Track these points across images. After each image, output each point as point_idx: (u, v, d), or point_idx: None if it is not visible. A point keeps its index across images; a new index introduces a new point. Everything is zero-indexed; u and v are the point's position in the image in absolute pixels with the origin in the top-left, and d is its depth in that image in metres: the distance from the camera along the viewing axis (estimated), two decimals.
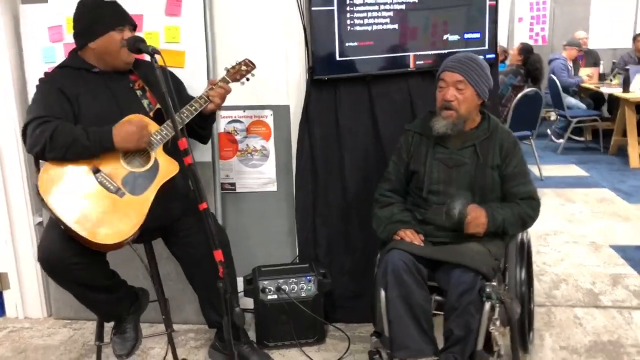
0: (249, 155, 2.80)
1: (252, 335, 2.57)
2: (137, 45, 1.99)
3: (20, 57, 2.69)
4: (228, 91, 2.28)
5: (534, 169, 5.18)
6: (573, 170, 5.64)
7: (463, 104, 2.18)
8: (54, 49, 2.63)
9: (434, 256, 2.11)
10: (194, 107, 2.19)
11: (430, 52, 2.79)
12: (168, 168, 2.09)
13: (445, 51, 2.80)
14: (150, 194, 2.04)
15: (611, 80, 6.61)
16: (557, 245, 3.71)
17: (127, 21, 2.19)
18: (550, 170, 5.60)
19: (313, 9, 2.55)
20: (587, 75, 6.89)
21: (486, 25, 2.90)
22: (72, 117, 2.10)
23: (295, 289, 2.55)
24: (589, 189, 4.95)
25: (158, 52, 1.88)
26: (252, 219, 2.85)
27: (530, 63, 5.86)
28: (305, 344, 2.55)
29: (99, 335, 2.31)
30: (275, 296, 2.53)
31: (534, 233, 3.81)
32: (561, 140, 6.70)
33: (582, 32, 7.48)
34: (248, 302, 2.64)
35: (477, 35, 2.90)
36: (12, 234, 2.85)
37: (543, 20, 8.59)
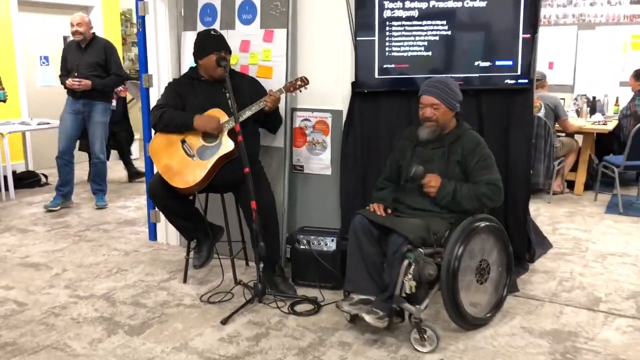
0: (314, 146, 3.74)
1: (289, 272, 3.52)
2: (219, 63, 3.14)
3: (179, 66, 4.02)
4: (278, 99, 3.28)
5: None
6: None
7: (440, 118, 2.88)
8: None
9: (381, 222, 2.83)
10: (253, 107, 3.24)
11: (461, 75, 3.42)
12: (226, 145, 3.17)
13: (477, 75, 3.42)
14: (211, 161, 3.15)
15: None
16: (609, 264, 3.89)
17: (223, 48, 3.31)
18: None
19: (358, 39, 3.41)
20: None
21: (519, 55, 3.40)
22: (180, 107, 3.30)
23: (321, 245, 3.42)
24: None
25: (226, 69, 3.10)
26: (313, 193, 3.78)
27: None
28: (324, 287, 3.40)
29: (187, 251, 3.51)
30: (306, 247, 3.44)
31: (596, 252, 4.07)
32: None
33: None
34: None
35: (510, 62, 3.42)
36: None
37: None
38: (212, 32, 3.35)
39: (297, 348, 2.77)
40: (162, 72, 4.07)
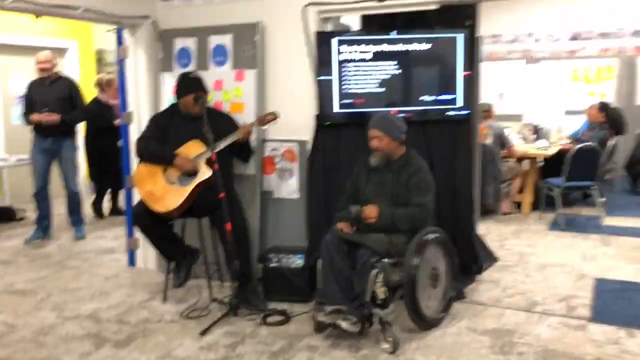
0: (282, 173, 4.14)
1: (261, 288, 3.87)
2: (196, 102, 3.54)
3: (157, 105, 4.39)
4: (249, 132, 3.68)
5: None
6: None
7: (384, 147, 3.33)
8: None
9: (351, 239, 3.24)
10: (228, 139, 3.63)
11: (410, 108, 3.89)
12: (203, 173, 3.54)
13: (421, 108, 3.89)
14: (190, 187, 3.51)
15: None
16: (548, 273, 4.35)
17: (200, 89, 3.71)
18: (623, 220, 5.96)
19: (319, 78, 3.86)
20: None
21: (460, 89, 3.89)
22: (162, 139, 3.67)
23: (290, 262, 3.79)
24: (638, 238, 5.29)
25: (203, 106, 3.48)
26: (282, 216, 4.16)
27: (611, 117, 6.31)
28: (293, 301, 3.75)
29: (167, 272, 3.83)
30: (275, 264, 3.81)
31: (537, 264, 4.54)
32: None
33: None
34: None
35: (452, 96, 3.90)
36: None
37: None
38: (191, 75, 3.76)
39: (269, 352, 3.12)
40: (141, 110, 4.43)
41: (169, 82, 4.32)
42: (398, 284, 3.11)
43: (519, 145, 6.72)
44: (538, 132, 7.38)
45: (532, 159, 6.52)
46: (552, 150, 6.55)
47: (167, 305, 3.82)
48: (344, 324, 3.08)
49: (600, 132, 6.47)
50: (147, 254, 4.59)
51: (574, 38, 9.18)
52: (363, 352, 3.09)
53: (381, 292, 3.05)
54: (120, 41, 4.45)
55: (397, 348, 3.07)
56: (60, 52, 7.61)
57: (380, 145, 3.36)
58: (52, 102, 5.30)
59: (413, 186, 3.30)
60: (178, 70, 4.24)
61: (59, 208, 6.09)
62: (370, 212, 3.25)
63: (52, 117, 5.24)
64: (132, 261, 4.70)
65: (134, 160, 4.40)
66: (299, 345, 3.20)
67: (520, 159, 6.57)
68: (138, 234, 4.56)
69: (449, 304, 3.50)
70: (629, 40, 8.79)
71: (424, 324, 3.31)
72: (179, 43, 4.30)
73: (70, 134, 5.52)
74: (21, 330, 3.46)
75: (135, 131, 4.44)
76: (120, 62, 4.47)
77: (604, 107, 6.64)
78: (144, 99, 4.42)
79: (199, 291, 3.89)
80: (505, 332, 3.31)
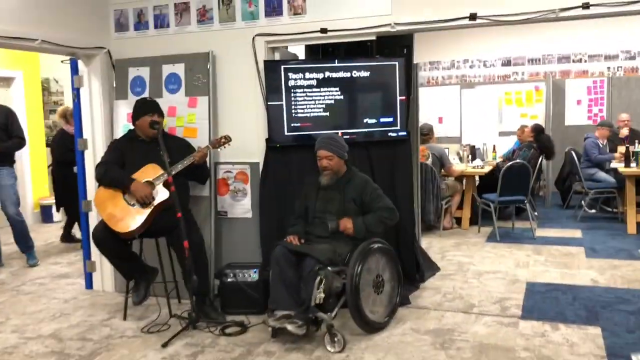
0: (235, 193, 4.38)
1: (218, 303, 4.07)
2: (152, 126, 3.75)
3: (112, 131, 4.58)
4: (205, 155, 3.91)
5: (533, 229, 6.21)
6: (572, 233, 6.40)
7: (334, 166, 3.63)
8: (130, 126, 4.49)
9: (298, 249, 3.50)
10: (185, 161, 3.85)
11: (353, 130, 4.22)
12: (162, 194, 3.74)
13: (365, 130, 4.23)
14: (149, 208, 3.70)
15: (636, 160, 7.21)
16: (484, 279, 4.73)
17: (156, 111, 3.94)
18: (553, 231, 6.45)
19: (269, 103, 4.15)
20: (620, 153, 7.55)
21: (398, 113, 4.26)
22: (120, 163, 3.86)
23: (245, 276, 4.02)
24: (567, 246, 5.76)
25: (160, 130, 3.63)
26: (236, 234, 4.39)
27: (541, 141, 6.86)
28: (249, 313, 3.96)
29: (126, 291, 3.99)
30: (231, 279, 4.02)
31: (475, 272, 4.91)
32: (592, 211, 7.46)
33: (625, 114, 8.14)
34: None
35: (391, 119, 4.27)
36: None
37: (601, 102, 9.29)
38: (147, 99, 3.99)
39: (231, 358, 3.33)
40: (96, 137, 4.60)
41: (123, 109, 4.52)
42: (341, 289, 3.39)
43: (457, 164, 7.17)
44: (474, 152, 7.89)
45: (470, 177, 6.98)
46: (487, 169, 7.03)
47: (127, 323, 3.97)
48: (290, 327, 3.33)
49: (529, 152, 6.99)
50: (104, 276, 4.71)
51: (506, 64, 9.88)
52: (316, 354, 3.33)
53: (319, 298, 3.31)
54: (75, 71, 4.62)
55: (344, 348, 3.34)
56: (6, 81, 7.65)
57: (330, 164, 3.67)
58: None
59: (371, 195, 3.64)
60: (132, 98, 4.45)
61: (8, 237, 6.10)
62: (346, 224, 3.57)
63: None
64: (89, 284, 4.80)
65: (90, 185, 4.58)
66: (257, 351, 3.41)
67: (458, 178, 7.01)
68: (95, 257, 4.70)
69: (394, 310, 3.79)
70: (556, 66, 9.56)
71: (369, 327, 3.58)
72: (133, 72, 4.51)
73: (7, 162, 5.50)
74: None
75: (90, 157, 4.60)
76: (76, 92, 4.63)
77: (537, 128, 7.16)
78: (99, 126, 4.58)
79: (158, 308, 4.04)
80: (446, 331, 3.62)
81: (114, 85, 4.58)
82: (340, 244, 3.56)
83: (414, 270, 4.43)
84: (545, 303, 4.12)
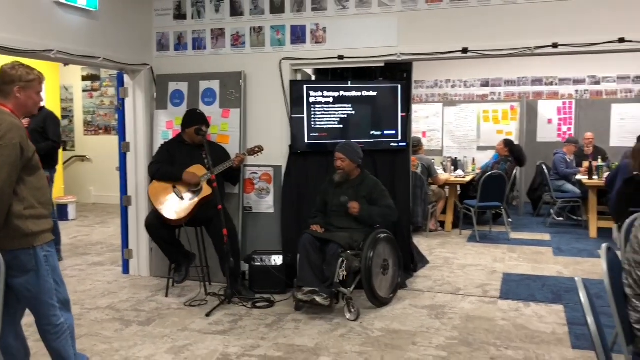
0: (260, 192, 5.14)
1: (247, 283, 4.81)
2: (198, 133, 4.51)
3: (152, 136, 5.30)
4: (243, 160, 4.67)
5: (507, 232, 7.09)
6: (542, 236, 7.28)
7: (346, 167, 4.43)
8: (169, 132, 5.23)
9: (322, 236, 4.29)
10: (226, 164, 4.60)
11: (362, 140, 5.01)
12: (206, 191, 4.49)
13: (372, 140, 5.04)
14: (195, 201, 4.44)
15: (597, 173, 8.14)
16: (468, 270, 5.56)
17: (203, 122, 4.68)
18: (525, 235, 7.33)
19: (293, 116, 4.93)
20: (585, 167, 8.49)
21: (399, 126, 5.08)
22: (170, 163, 4.59)
23: (270, 261, 4.77)
24: (537, 247, 6.63)
25: (205, 137, 4.38)
26: (260, 227, 5.14)
27: (514, 152, 7.77)
28: (275, 292, 4.71)
29: (169, 271, 4.71)
30: (259, 263, 4.77)
31: (459, 265, 5.73)
32: (560, 218, 8.38)
33: (589, 133, 9.11)
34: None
35: (394, 131, 5.08)
36: (137, 229, 5.37)
37: (569, 121, 10.28)
38: (197, 111, 4.74)
39: (265, 324, 4.07)
40: (138, 140, 5.32)
41: (162, 118, 5.26)
42: (358, 269, 4.18)
43: (442, 174, 8.02)
44: (456, 164, 8.77)
45: (453, 185, 7.83)
46: (467, 179, 7.90)
47: (170, 299, 4.68)
48: (318, 299, 4.09)
49: (505, 165, 7.88)
50: (141, 263, 5.41)
51: (485, 85, 10.83)
52: (336, 321, 4.10)
53: (342, 275, 4.10)
54: (121, 83, 5.34)
55: (358, 316, 4.12)
56: None
57: (342, 165, 4.45)
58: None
59: (379, 195, 4.42)
60: (172, 108, 5.21)
61: None
62: (354, 205, 4.34)
63: None
64: (126, 269, 5.49)
65: (131, 183, 5.30)
66: (286, 319, 4.17)
67: (443, 186, 7.85)
68: (132, 245, 5.40)
69: (396, 288, 4.59)
70: (530, 87, 10.55)
71: (378, 302, 4.36)
72: (173, 86, 5.26)
73: (46, 164, 6.00)
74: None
75: (132, 158, 5.32)
76: (121, 101, 5.35)
77: (508, 143, 8.07)
78: (141, 131, 5.31)
79: (192, 289, 4.76)
80: (438, 307, 4.43)
81: (155, 96, 5.31)
82: (355, 233, 4.34)
83: (409, 260, 5.23)
84: (519, 288, 4.96)
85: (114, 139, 8.24)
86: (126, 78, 5.32)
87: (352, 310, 4.13)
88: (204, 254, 4.83)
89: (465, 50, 4.51)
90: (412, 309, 4.38)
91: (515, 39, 4.38)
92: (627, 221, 3.09)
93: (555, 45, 4.28)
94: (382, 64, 4.84)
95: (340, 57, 4.84)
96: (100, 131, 10.44)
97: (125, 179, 5.40)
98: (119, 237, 6.47)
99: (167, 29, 5.32)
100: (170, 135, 5.15)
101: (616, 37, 4.11)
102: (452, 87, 11.13)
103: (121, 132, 5.40)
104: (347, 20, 4.82)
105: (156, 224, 4.47)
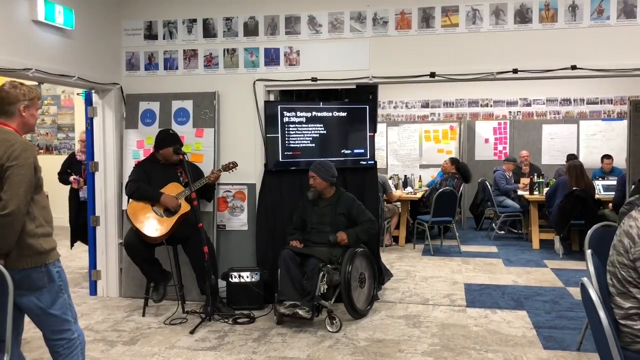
0: (233, 209, 5.22)
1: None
2: (177, 152, 4.55)
3: (121, 156, 5.28)
4: (218, 176, 4.75)
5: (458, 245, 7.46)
6: (490, 249, 7.73)
7: (317, 185, 4.61)
8: (139, 152, 5.22)
9: (302, 251, 4.43)
10: (202, 181, 4.66)
11: (333, 159, 5.20)
12: (185, 207, 4.53)
13: (342, 158, 5.24)
14: (174, 218, 4.47)
15: (537, 189, 8.73)
16: (430, 282, 5.84)
17: (177, 142, 4.72)
18: (474, 247, 7.75)
19: (267, 135, 5.07)
20: (523, 184, 9.08)
21: (367, 146, 5.32)
22: (147, 182, 4.60)
23: (248, 277, 4.85)
24: (488, 258, 7.04)
25: (184, 155, 4.42)
26: (233, 244, 5.21)
27: (460, 169, 8.22)
28: (253, 308, 4.78)
29: (147, 291, 4.69)
30: (237, 280, 4.84)
31: (421, 277, 6.00)
32: (502, 232, 8.89)
33: (525, 151, 9.76)
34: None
35: (362, 150, 5.31)
36: (106, 249, 5.30)
37: (504, 140, 10.95)
38: (170, 131, 4.77)
39: (252, 338, 4.15)
40: (107, 159, 5.27)
41: (132, 137, 5.25)
42: (338, 283, 4.35)
43: (395, 191, 8.35)
44: (406, 181, 9.14)
45: (404, 201, 8.17)
46: (419, 195, 8.27)
47: (147, 318, 4.65)
48: (301, 312, 4.21)
49: (453, 181, 8.31)
50: (109, 284, 5.33)
51: (425, 106, 11.35)
52: (320, 333, 4.24)
53: (323, 288, 4.26)
54: (89, 102, 5.29)
55: (340, 328, 4.27)
56: None
57: (314, 183, 4.63)
58: None
59: (357, 210, 4.61)
60: (142, 128, 5.22)
61: None
62: (342, 237, 4.50)
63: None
64: (93, 291, 5.39)
65: (98, 203, 5.24)
66: (271, 333, 4.26)
67: (395, 202, 8.17)
68: (100, 266, 5.32)
69: (372, 301, 4.78)
70: (467, 109, 11.15)
71: (356, 314, 4.54)
72: (144, 105, 5.27)
73: None
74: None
75: (100, 178, 5.27)
76: (90, 121, 5.29)
77: (454, 161, 8.52)
78: (111, 151, 5.27)
79: (167, 307, 4.76)
80: (413, 316, 4.66)
81: (124, 115, 5.30)
82: (334, 248, 4.51)
83: (379, 272, 5.44)
84: (482, 297, 5.28)
85: (56, 159, 8.08)
86: (95, 97, 5.28)
87: (334, 322, 4.28)
88: (178, 272, 4.84)
89: (433, 75, 4.82)
90: (390, 319, 4.58)
91: (478, 65, 4.73)
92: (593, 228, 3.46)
93: (515, 71, 4.67)
94: (353, 86, 5.08)
95: (314, 79, 5.03)
96: (41, 151, 10.12)
97: (94, 199, 5.33)
98: (73, 258, 6.37)
99: (138, 48, 5.34)
100: (141, 155, 5.15)
101: (569, 64, 4.55)
102: (394, 108, 11.59)
103: (89, 151, 5.33)
104: (320, 44, 5.03)
105: (136, 243, 4.46)
